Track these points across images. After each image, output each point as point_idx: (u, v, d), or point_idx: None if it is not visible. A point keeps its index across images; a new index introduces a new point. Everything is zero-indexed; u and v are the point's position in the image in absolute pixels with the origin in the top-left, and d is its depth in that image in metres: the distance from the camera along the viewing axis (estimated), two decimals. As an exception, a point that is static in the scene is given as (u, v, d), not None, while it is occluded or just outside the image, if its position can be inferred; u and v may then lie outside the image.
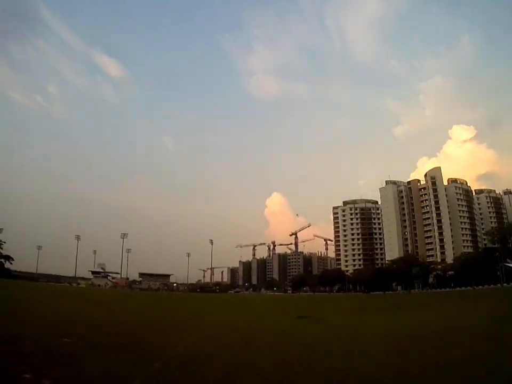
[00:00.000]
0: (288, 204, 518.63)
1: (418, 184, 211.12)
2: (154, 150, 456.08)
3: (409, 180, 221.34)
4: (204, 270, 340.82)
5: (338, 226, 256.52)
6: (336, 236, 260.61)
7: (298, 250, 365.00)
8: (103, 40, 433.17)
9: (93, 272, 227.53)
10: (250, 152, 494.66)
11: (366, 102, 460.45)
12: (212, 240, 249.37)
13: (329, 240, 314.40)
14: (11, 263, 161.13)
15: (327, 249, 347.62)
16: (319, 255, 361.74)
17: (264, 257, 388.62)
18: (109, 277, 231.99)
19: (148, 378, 11.01)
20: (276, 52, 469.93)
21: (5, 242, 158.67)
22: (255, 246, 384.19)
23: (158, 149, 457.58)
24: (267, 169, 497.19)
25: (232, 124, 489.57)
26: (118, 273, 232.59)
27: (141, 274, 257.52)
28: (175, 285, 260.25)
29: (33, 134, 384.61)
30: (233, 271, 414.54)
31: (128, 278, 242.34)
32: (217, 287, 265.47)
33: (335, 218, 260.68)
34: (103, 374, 11.18)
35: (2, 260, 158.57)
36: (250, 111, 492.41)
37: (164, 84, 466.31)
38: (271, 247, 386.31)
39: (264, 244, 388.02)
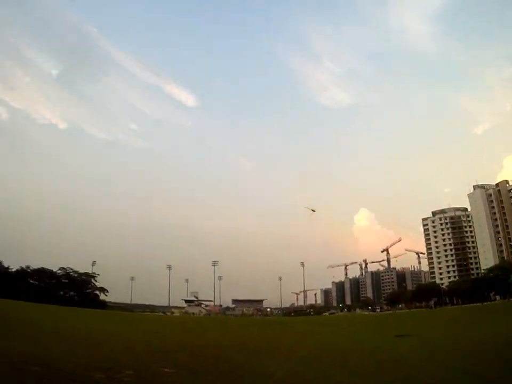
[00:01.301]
0: (376, 219, 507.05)
1: (507, 185, 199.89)
2: (234, 172, 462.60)
3: (497, 182, 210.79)
4: (296, 293, 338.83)
5: (429, 238, 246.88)
6: (428, 248, 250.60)
7: (391, 266, 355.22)
8: (173, 71, 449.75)
9: (186, 301, 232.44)
10: (327, 167, 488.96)
11: (441, 102, 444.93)
12: (303, 262, 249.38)
13: (421, 253, 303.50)
14: (106, 295, 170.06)
15: (419, 262, 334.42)
16: (412, 269, 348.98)
17: (357, 276, 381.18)
18: (202, 305, 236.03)
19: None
20: (342, 60, 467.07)
21: (98, 274, 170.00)
22: (346, 265, 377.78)
23: (237, 171, 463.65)
24: (351, 184, 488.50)
25: (309, 140, 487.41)
26: (211, 300, 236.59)
27: (234, 301, 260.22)
28: (268, 309, 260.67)
29: (117, 167, 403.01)
30: (326, 293, 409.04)
31: (221, 305, 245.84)
32: (311, 310, 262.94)
33: (425, 230, 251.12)
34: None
35: (97, 292, 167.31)
36: (323, 124, 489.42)
37: (235, 105, 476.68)
38: (363, 265, 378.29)
39: (355, 262, 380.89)
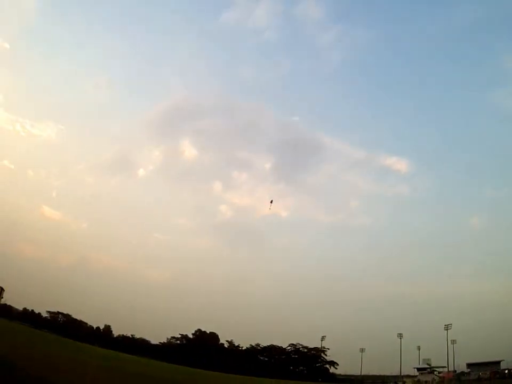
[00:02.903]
0: None
1: None
2: (463, 234, 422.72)
3: None
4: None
5: None
6: None
7: None
8: (384, 143, 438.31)
9: (418, 369, 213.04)
10: None
11: None
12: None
13: None
14: (336, 368, 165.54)
15: None
16: None
17: None
18: (435, 372, 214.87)
19: None
20: None
21: (328, 348, 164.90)
22: None
23: (467, 231, 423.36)
24: None
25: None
26: (444, 366, 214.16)
27: (469, 365, 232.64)
28: (506, 371, 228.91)
29: (340, 246, 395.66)
30: None
31: (455, 371, 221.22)
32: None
33: None
34: None
35: (327, 366, 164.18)
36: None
37: (450, 161, 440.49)
38: None
39: None
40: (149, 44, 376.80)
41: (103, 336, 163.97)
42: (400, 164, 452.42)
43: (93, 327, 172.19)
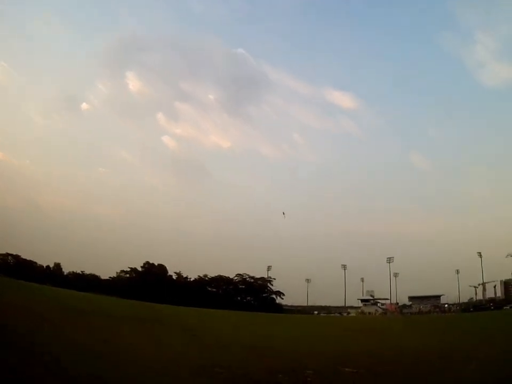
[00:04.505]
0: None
1: None
2: (405, 171, 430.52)
3: None
4: (475, 287, 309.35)
5: None
6: None
7: None
8: (330, 78, 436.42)
9: (362, 300, 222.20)
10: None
11: None
12: (480, 252, 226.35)
13: None
14: (282, 298, 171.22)
15: None
16: None
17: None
18: (378, 304, 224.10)
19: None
20: (498, 35, 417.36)
21: (274, 279, 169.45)
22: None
23: (409, 169, 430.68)
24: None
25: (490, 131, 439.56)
26: (387, 299, 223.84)
27: (411, 298, 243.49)
28: (446, 305, 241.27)
29: (285, 182, 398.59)
30: (506, 284, 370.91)
31: (397, 303, 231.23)
32: (491, 304, 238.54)
33: None
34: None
35: (274, 296, 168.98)
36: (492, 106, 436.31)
37: (401, 100, 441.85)
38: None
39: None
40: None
41: (53, 275, 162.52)
42: (346, 100, 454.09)
43: (43, 266, 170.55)
